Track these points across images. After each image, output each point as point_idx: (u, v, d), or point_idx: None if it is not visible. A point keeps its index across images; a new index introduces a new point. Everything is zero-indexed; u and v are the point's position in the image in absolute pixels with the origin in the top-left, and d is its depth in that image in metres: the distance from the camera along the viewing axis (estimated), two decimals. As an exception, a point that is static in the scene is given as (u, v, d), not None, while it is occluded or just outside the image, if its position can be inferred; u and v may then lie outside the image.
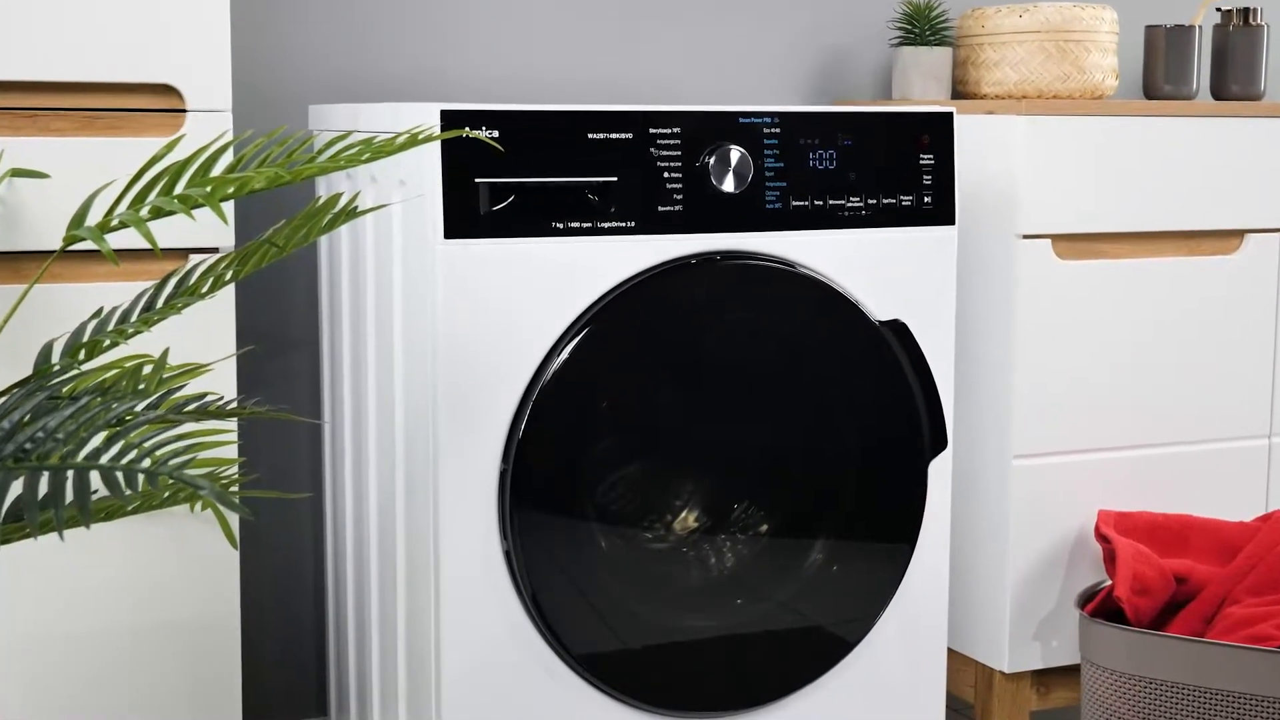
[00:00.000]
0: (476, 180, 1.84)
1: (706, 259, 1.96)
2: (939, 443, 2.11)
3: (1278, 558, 2.18)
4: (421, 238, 1.87)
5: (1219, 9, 2.57)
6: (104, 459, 1.26)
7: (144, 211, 1.41)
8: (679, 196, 1.94)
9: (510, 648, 1.93)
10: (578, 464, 1.94)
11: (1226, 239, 2.38)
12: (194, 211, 1.79)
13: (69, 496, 1.25)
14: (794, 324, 2.02)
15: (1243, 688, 1.99)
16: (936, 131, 2.09)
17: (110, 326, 1.51)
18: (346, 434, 2.16)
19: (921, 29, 2.48)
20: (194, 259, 1.83)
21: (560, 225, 1.89)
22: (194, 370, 1.51)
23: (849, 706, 2.12)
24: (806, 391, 2.05)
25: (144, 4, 1.81)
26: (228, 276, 1.52)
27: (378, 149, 1.47)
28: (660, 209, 1.93)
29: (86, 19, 1.79)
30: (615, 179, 1.91)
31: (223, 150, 1.46)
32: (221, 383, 1.86)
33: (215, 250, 1.86)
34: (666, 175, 1.93)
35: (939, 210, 2.09)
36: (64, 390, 1.43)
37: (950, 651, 2.38)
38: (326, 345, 2.23)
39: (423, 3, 2.38)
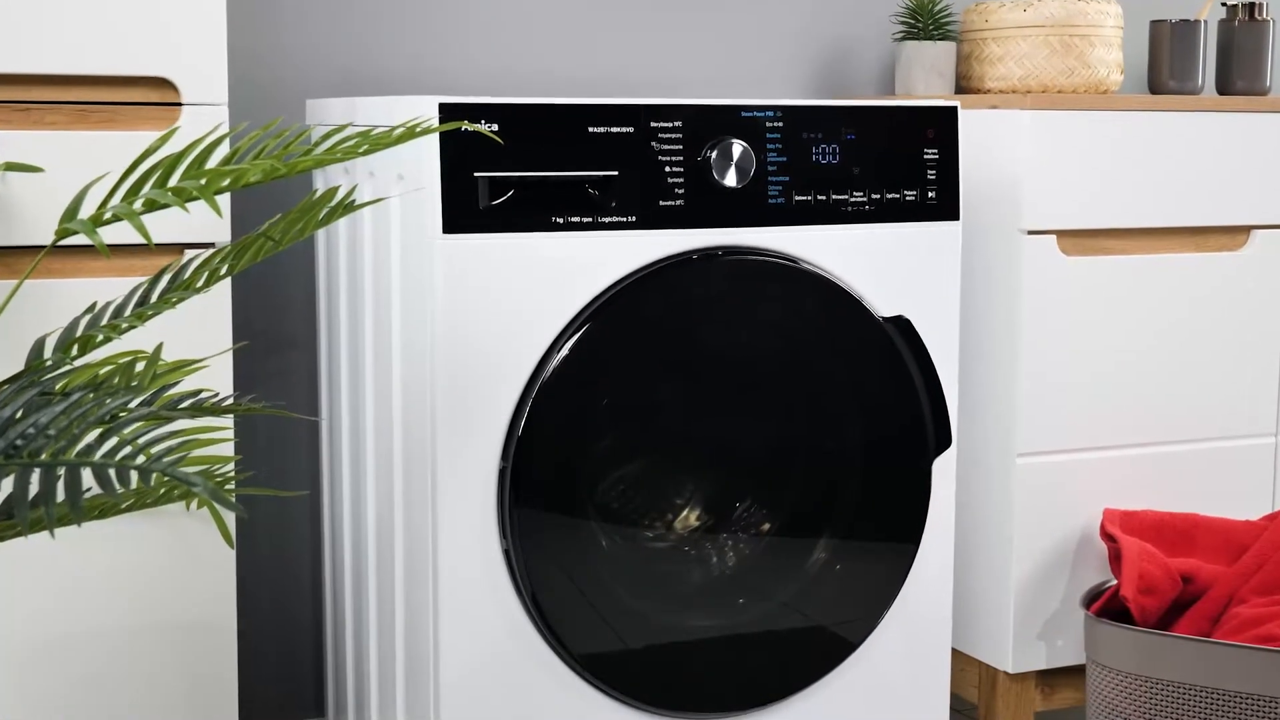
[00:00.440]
0: (475, 174, 1.83)
1: (708, 254, 1.95)
2: (943, 440, 2.10)
3: (1285, 557, 2.17)
4: (420, 232, 1.86)
5: (1224, 4, 2.56)
6: (96, 455, 1.24)
7: (137, 204, 1.39)
8: (680, 191, 1.93)
9: (510, 648, 1.92)
10: (578, 462, 1.93)
11: (1233, 235, 2.37)
12: (190, 206, 1.79)
13: (60, 494, 1.23)
14: (796, 320, 2.01)
15: (1250, 688, 1.98)
16: (941, 126, 2.08)
17: (104, 321, 1.49)
18: (344, 432, 2.15)
19: (925, 23, 2.47)
20: (189, 254, 1.81)
21: (560, 220, 1.88)
22: (188, 366, 1.50)
23: (852, 707, 2.11)
24: (809, 388, 2.04)
25: (139, -4, 1.80)
26: (223, 271, 1.50)
27: (375, 141, 1.45)
28: (661, 203, 1.92)
29: (81, 10, 1.78)
30: (616, 173, 1.90)
31: (218, 143, 1.44)
32: (218, 380, 1.85)
33: (211, 246, 1.85)
34: (668, 169, 1.92)
35: (943, 205, 2.08)
36: (56, 386, 1.41)
37: (954, 651, 2.37)
38: (324, 342, 2.22)
39: (421, -4, 2.38)
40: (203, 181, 1.39)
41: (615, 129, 1.89)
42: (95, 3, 1.78)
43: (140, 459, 1.23)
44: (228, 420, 1.87)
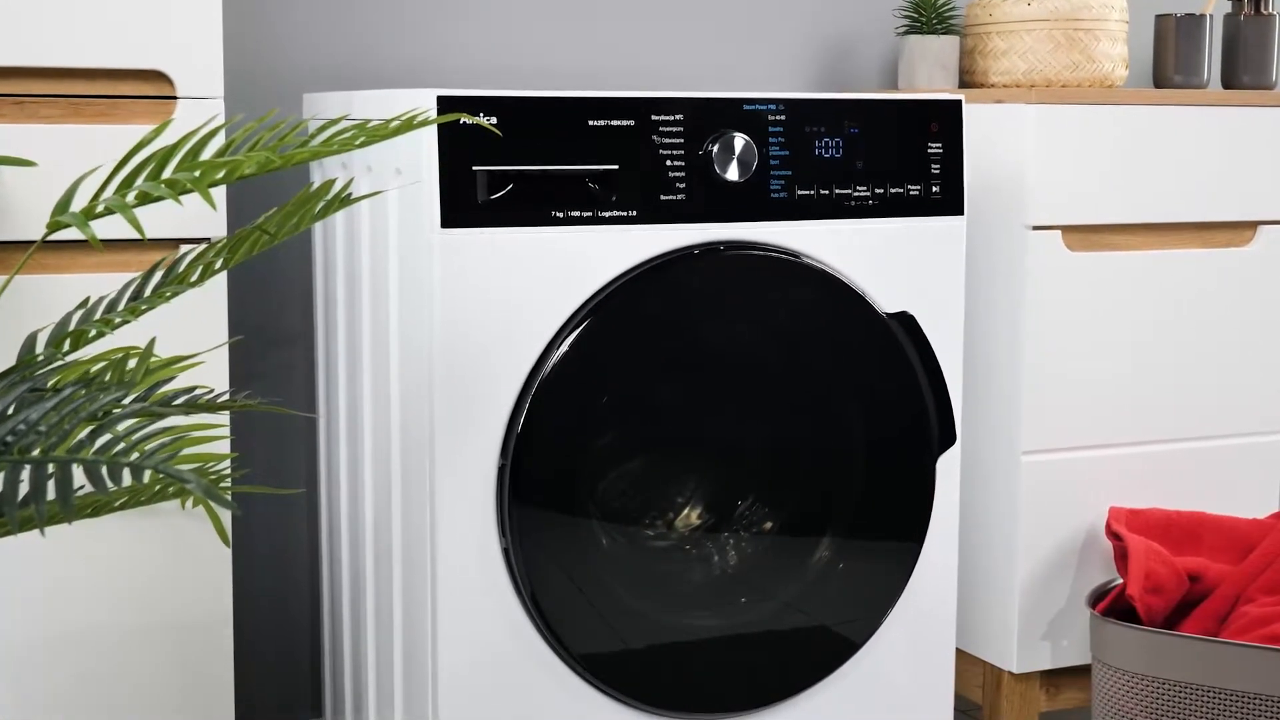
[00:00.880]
0: (474, 168, 1.82)
1: (710, 249, 1.94)
2: (947, 438, 2.09)
3: (1293, 555, 2.16)
4: (418, 227, 1.85)
5: (1230, -3, 2.56)
6: (88, 452, 1.23)
7: (130, 197, 1.37)
8: (682, 185, 1.92)
9: (509, 648, 1.91)
10: (578, 459, 1.92)
11: (1239, 231, 2.36)
12: (184, 200, 1.78)
13: (51, 492, 1.21)
14: (799, 316, 2.00)
15: (1258, 688, 1.97)
16: (945, 120, 2.07)
17: (97, 316, 1.47)
18: (342, 429, 2.14)
19: (928, 17, 2.46)
20: (184, 249, 1.80)
21: (560, 214, 1.87)
22: (182, 361, 1.48)
23: (855, 707, 2.10)
24: (811, 385, 2.03)
25: (134, -13, 1.79)
26: (218, 265, 1.49)
27: (372, 133, 1.43)
28: (663, 198, 1.91)
29: (75, 2, 1.77)
30: (616, 167, 1.89)
31: (212, 134, 1.42)
32: (213, 377, 1.85)
33: (207, 241, 1.84)
34: (669, 163, 1.91)
35: (947, 200, 2.07)
36: (49, 383, 1.40)
37: (958, 651, 2.36)
38: (321, 338, 2.21)
39: (420, -10, 2.37)
40: (197, 174, 1.37)
41: (616, 122, 1.88)
42: (89, -6, 1.77)
43: (132, 456, 1.21)
44: (223, 417, 1.86)
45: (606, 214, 1.88)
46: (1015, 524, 2.25)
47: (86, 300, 1.53)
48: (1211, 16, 2.49)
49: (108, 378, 1.39)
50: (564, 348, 1.87)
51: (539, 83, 2.42)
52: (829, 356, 2.02)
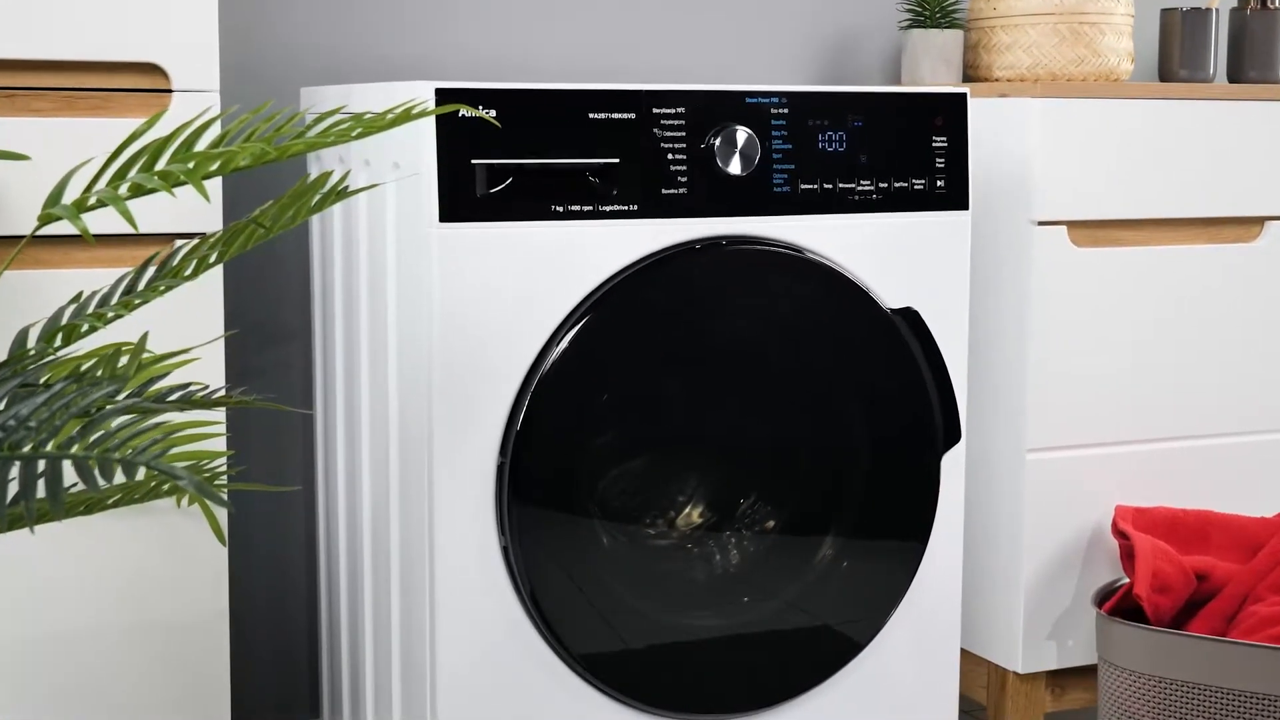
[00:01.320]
0: (473, 161, 1.81)
1: (712, 244, 1.93)
2: (952, 435, 2.08)
3: (1301, 554, 2.16)
4: (416, 221, 1.84)
5: (1236, -9, 2.56)
6: (78, 448, 1.21)
7: (123, 189, 1.35)
8: (683, 179, 1.91)
9: (508, 647, 1.90)
10: (578, 457, 1.91)
11: (1246, 226, 2.36)
12: (178, 193, 1.76)
13: (42, 489, 1.19)
14: (802, 312, 1.99)
15: (1267, 689, 1.96)
16: (949, 113, 2.06)
17: (89, 311, 1.45)
18: (339, 426, 2.13)
19: (931, 11, 2.45)
20: (179, 244, 1.79)
21: (560, 208, 1.86)
22: (176, 357, 1.46)
23: (858, 708, 2.09)
24: (815, 382, 2.02)
25: (128, -21, 1.78)
26: (212, 259, 1.47)
27: (369, 124, 1.41)
28: (664, 192, 1.90)
29: (68, -6, 1.76)
30: (617, 160, 1.88)
31: (206, 126, 1.40)
32: (209, 373, 1.84)
33: (202, 236, 1.82)
34: (670, 157, 1.90)
35: (952, 194, 2.07)
36: (41, 379, 1.38)
37: (962, 651, 2.35)
38: (319, 334, 2.20)
39: (418, -17, 2.36)
40: (190, 165, 1.36)
41: (617, 115, 1.88)
42: (83, -15, 1.76)
43: (123, 452, 1.19)
44: (219, 414, 1.85)
45: (607, 208, 1.88)
46: (1020, 522, 2.24)
47: (79, 295, 1.52)
48: (1217, 10, 2.49)
49: (99, 373, 1.38)
50: (564, 344, 1.86)
51: (539, 77, 2.41)
52: (832, 353, 2.01)
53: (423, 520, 1.87)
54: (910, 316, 2.04)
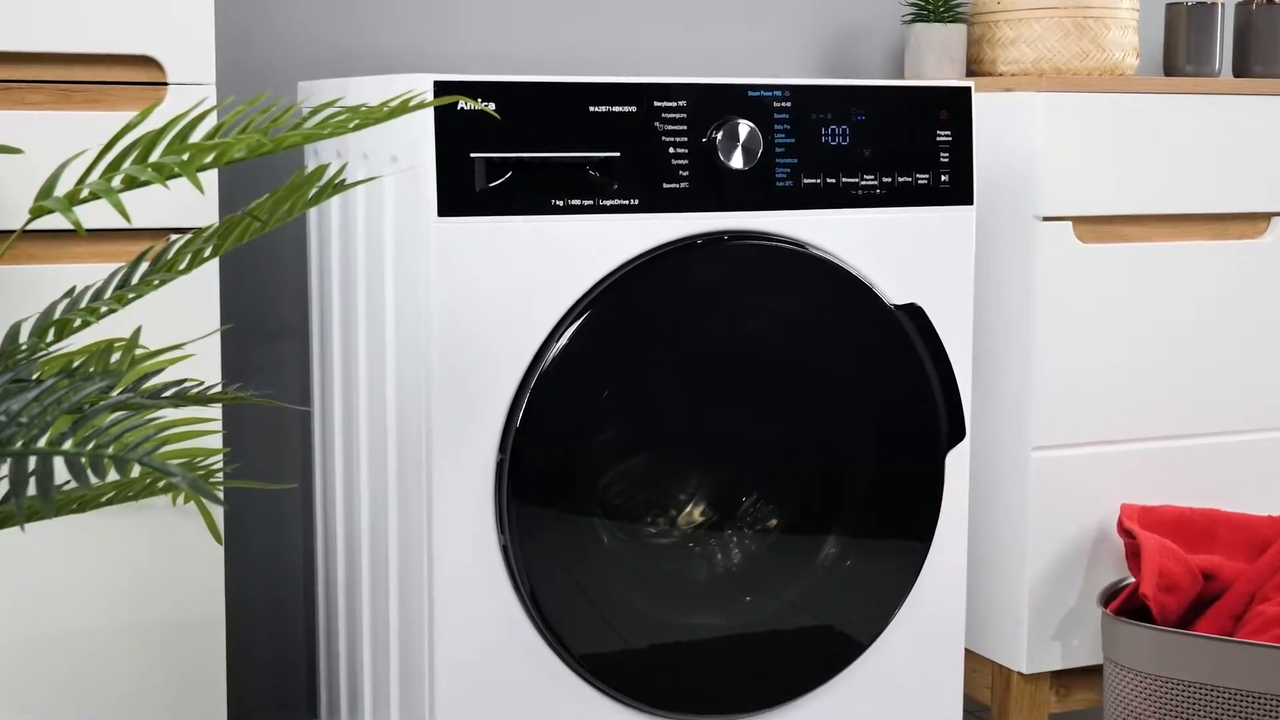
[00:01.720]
0: (472, 155, 1.81)
1: (713, 239, 1.93)
2: (957, 433, 2.07)
3: (1309, 553, 2.15)
4: (414, 216, 1.83)
5: (1242, -15, 2.56)
6: (70, 444, 1.19)
7: (116, 181, 1.33)
8: (685, 173, 1.90)
9: (508, 647, 1.89)
10: (578, 454, 1.91)
11: (1253, 222, 2.36)
12: (174, 187, 1.75)
13: (33, 487, 1.17)
14: (805, 308, 1.98)
15: (1275, 689, 1.95)
16: (954, 107, 2.05)
17: (82, 305, 1.43)
18: (337, 423, 2.13)
19: (935, 5, 2.44)
20: (174, 239, 1.77)
21: (560, 203, 1.85)
22: (170, 352, 1.44)
23: (861, 709, 2.09)
24: (818, 378, 2.01)
25: (123, -30, 1.78)
26: (207, 252, 1.45)
27: (366, 115, 1.39)
28: (665, 186, 1.90)
29: (62, -15, 1.75)
30: (618, 154, 1.87)
31: (201, 118, 1.38)
32: (205, 370, 1.83)
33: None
34: (672, 151, 1.90)
35: (956, 189, 2.06)
36: (34, 375, 1.36)
37: (966, 651, 2.34)
38: (316, 331, 2.20)
39: (417, -24, 2.36)
40: (185, 157, 1.34)
41: (617, 108, 1.87)
42: (77, -23, 1.76)
43: (114, 448, 1.17)
44: (215, 411, 1.84)
45: (608, 202, 1.87)
46: (1025, 521, 2.24)
47: (72, 290, 1.50)
48: (1223, 5, 2.48)
49: (92, 369, 1.36)
50: (564, 340, 1.85)
51: (539, 70, 2.41)
52: (835, 349, 2.01)
53: (421, 518, 1.87)
54: (914, 312, 2.03)
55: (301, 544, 2.36)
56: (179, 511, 1.84)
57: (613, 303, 1.87)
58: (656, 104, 1.89)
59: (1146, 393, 2.29)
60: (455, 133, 1.79)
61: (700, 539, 2.05)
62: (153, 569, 1.85)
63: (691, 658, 1.98)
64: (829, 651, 2.05)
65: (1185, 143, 2.26)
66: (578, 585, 1.90)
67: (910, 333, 2.03)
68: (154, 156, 1.36)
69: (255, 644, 2.34)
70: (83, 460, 1.18)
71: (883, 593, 2.07)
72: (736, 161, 1.93)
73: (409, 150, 1.83)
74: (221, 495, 1.85)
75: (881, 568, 2.06)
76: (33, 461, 1.19)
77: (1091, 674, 2.31)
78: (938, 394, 2.05)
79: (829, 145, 1.98)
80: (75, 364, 1.38)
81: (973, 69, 2.46)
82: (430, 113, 1.78)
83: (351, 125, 1.40)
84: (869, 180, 2.00)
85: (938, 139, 2.04)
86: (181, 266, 1.45)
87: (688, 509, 2.06)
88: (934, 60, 2.42)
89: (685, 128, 1.90)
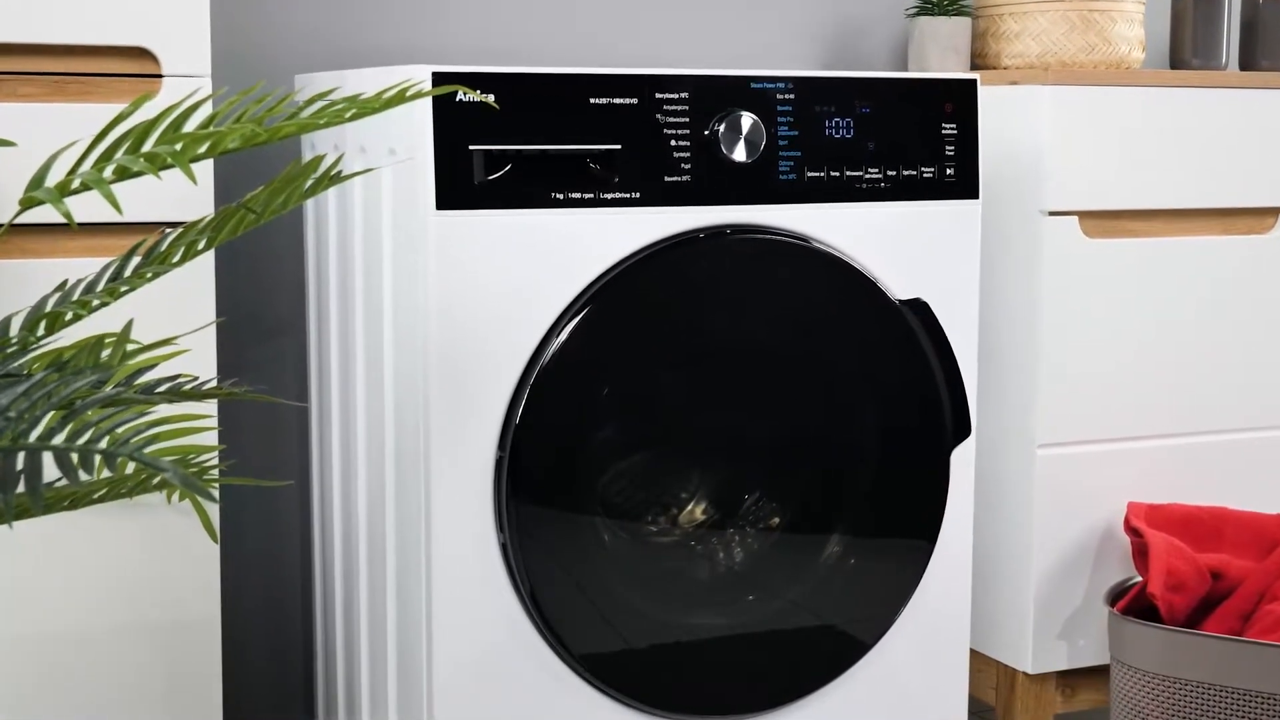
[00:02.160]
0: (471, 147, 1.79)
1: (716, 233, 1.92)
2: (962, 430, 2.06)
3: (1318, 552, 2.15)
4: (412, 209, 1.82)
5: (1249, -22, 2.56)
6: (60, 440, 1.17)
7: (108, 172, 1.31)
8: (687, 166, 1.89)
9: (507, 647, 1.88)
10: (578, 452, 1.90)
11: (1261, 217, 2.35)
12: (167, 180, 1.73)
13: (20, 483, 1.15)
14: (808, 303, 1.97)
15: (1285, 690, 1.95)
16: (959, 100, 2.04)
17: (74, 298, 1.41)
18: (334, 419, 2.12)
19: (939, -2, 2.42)
20: (168, 232, 1.77)
21: (560, 196, 1.84)
22: (164, 347, 1.42)
23: (865, 710, 2.08)
24: (821, 375, 2.00)
25: (116, -40, 1.77)
26: (201, 245, 1.43)
27: (363, 105, 1.37)
28: (667, 179, 1.89)
29: (54, -25, 1.74)
30: (619, 147, 1.86)
31: (195, 107, 1.36)
32: (200, 365, 1.83)
33: (192, 224, 1.81)
34: (674, 143, 1.89)
35: (962, 183, 2.05)
36: (24, 368, 1.34)
37: (970, 651, 2.34)
38: (313, 326, 2.19)
39: (415, -32, 2.35)
40: (178, 147, 1.31)
41: (618, 100, 1.86)
42: (70, -33, 1.75)
43: (104, 443, 1.15)
44: (210, 407, 1.83)
45: (608, 196, 1.86)
46: (1030, 520, 2.23)
47: (64, 283, 1.48)
48: (1230, -2, 2.48)
49: (80, 360, 1.34)
50: (564, 335, 1.84)
51: (538, 62, 2.40)
52: (839, 345, 2.00)
53: (419, 516, 1.86)
54: (919, 308, 2.03)
55: (298, 542, 2.35)
56: (174, 509, 1.84)
57: (614, 298, 1.86)
58: (658, 96, 1.88)
59: (1153, 390, 2.28)
60: (454, 125, 1.78)
61: (702, 538, 2.04)
62: (147, 568, 1.85)
63: (693, 658, 1.97)
64: (832, 652, 2.04)
65: (1191, 137, 2.26)
66: (578, 584, 1.89)
67: (915, 328, 2.02)
68: (147, 147, 1.34)
69: (251, 644, 2.34)
70: (73, 456, 1.16)
71: (886, 592, 2.06)
72: (739, 154, 1.92)
73: (407, 143, 1.82)
74: (216, 492, 1.84)
75: (885, 567, 2.06)
76: (21, 457, 1.17)
77: (1098, 674, 2.31)
78: (943, 390, 2.04)
79: (833, 138, 1.97)
80: (66, 358, 1.36)
81: (977, 63, 2.45)
82: (428, 105, 1.76)
83: (348, 115, 1.38)
84: (873, 174, 1.99)
85: (943, 132, 2.03)
86: (175, 259, 1.43)
87: (689, 507, 2.05)
88: (938, 54, 2.42)
89: (687, 120, 1.89)
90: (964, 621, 2.12)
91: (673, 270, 1.89)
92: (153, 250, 1.44)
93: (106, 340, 1.41)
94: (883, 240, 2.00)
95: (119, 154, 1.34)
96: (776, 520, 2.04)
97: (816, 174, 1.96)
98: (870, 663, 2.06)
